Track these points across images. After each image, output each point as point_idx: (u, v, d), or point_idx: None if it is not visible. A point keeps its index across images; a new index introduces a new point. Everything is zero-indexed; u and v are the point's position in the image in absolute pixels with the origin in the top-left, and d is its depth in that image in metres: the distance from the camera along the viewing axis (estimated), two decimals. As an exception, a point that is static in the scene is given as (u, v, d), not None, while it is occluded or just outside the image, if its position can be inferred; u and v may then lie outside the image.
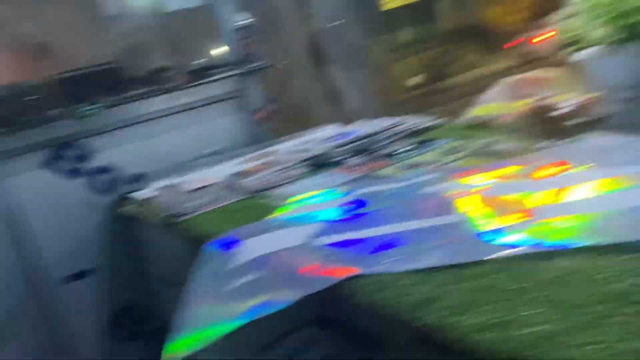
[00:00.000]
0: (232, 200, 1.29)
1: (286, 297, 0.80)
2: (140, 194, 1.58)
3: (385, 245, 0.82)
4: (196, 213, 1.26)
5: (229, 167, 1.57)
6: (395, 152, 1.26)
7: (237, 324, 0.82)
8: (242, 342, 1.41)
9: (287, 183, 1.28)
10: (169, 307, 1.70)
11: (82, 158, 1.77)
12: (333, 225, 0.93)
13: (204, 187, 1.43)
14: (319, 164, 1.34)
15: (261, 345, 1.46)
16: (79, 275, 1.77)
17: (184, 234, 1.24)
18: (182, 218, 1.26)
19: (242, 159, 1.65)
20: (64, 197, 1.73)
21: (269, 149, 1.68)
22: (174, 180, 1.59)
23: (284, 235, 0.97)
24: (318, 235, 0.91)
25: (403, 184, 1.04)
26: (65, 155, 1.74)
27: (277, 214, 1.09)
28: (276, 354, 1.43)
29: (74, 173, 1.75)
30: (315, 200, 1.12)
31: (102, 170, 1.79)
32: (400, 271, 0.74)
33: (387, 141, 1.35)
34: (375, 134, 1.40)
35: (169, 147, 1.88)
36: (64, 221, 1.73)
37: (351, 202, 1.01)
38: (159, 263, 1.58)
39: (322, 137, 1.64)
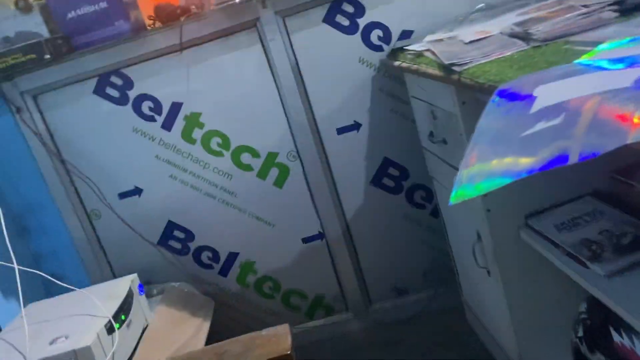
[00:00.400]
0: (521, 49, 1.17)
1: (592, 147, 0.69)
2: (414, 47, 1.57)
3: None
4: (479, 61, 1.19)
5: (511, 18, 1.42)
6: None
7: (525, 175, 0.76)
8: (511, 207, 1.38)
9: (591, 29, 1.10)
10: (432, 164, 1.74)
11: (357, 14, 1.82)
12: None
13: (484, 37, 1.33)
14: (633, 6, 1.11)
15: (529, 212, 1.40)
16: (351, 128, 1.93)
17: (465, 83, 1.20)
18: (464, 67, 1.20)
19: (523, 10, 1.48)
20: (340, 52, 1.85)
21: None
22: (449, 33, 1.52)
23: (593, 78, 0.83)
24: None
25: None
26: (342, 10, 1.82)
27: (582, 59, 0.95)
28: (542, 223, 1.36)
29: (350, 28, 1.83)
30: (634, 44, 0.93)
31: (375, 26, 1.83)
32: None
33: None
34: None
35: (440, 3, 1.80)
36: (339, 75, 1.87)
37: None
38: (426, 119, 1.59)
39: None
